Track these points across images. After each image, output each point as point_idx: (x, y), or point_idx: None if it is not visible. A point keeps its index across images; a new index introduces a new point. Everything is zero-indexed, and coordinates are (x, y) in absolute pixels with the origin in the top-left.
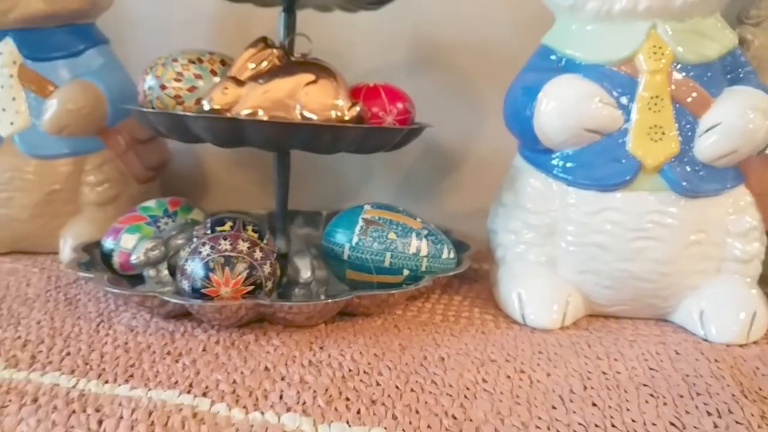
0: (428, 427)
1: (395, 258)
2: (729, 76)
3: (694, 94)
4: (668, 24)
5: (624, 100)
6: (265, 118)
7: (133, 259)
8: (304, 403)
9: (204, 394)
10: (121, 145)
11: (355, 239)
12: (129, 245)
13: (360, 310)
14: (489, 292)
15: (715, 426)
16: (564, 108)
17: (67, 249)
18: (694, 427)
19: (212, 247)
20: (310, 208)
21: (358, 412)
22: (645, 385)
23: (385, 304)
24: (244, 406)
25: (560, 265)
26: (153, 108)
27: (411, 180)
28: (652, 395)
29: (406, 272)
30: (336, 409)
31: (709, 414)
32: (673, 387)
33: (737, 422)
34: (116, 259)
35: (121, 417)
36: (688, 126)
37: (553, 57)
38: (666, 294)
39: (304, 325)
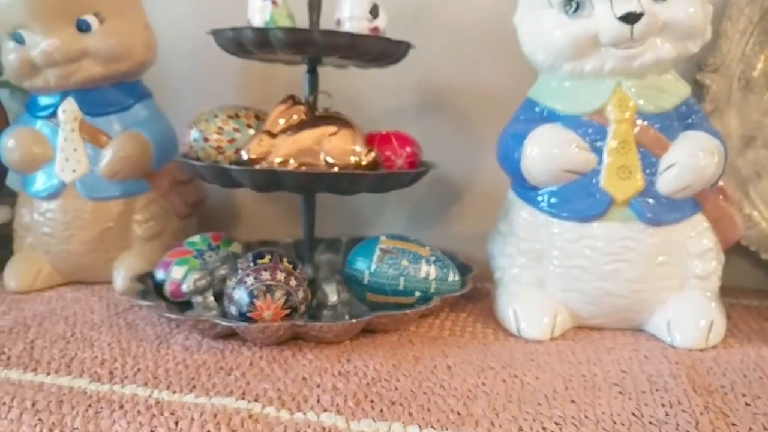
0: (437, 421)
1: (408, 282)
2: (684, 122)
3: (655, 139)
4: (630, 81)
5: (597, 144)
6: (299, 168)
7: (184, 288)
8: (337, 405)
9: (256, 400)
10: (164, 186)
11: (374, 266)
12: (178, 276)
13: (379, 327)
14: (490, 309)
15: (666, 414)
16: (546, 153)
17: (120, 279)
18: (650, 415)
19: (255, 278)
20: (333, 234)
21: (381, 411)
22: (616, 385)
23: (400, 322)
24: (289, 409)
25: (548, 284)
26: (198, 157)
27: (421, 209)
28: (620, 392)
29: (417, 294)
30: (363, 409)
31: (663, 405)
32: (638, 385)
33: (684, 411)
34: (167, 288)
35: (193, 419)
36: (650, 166)
37: (537, 108)
38: (638, 308)
39: (332, 342)
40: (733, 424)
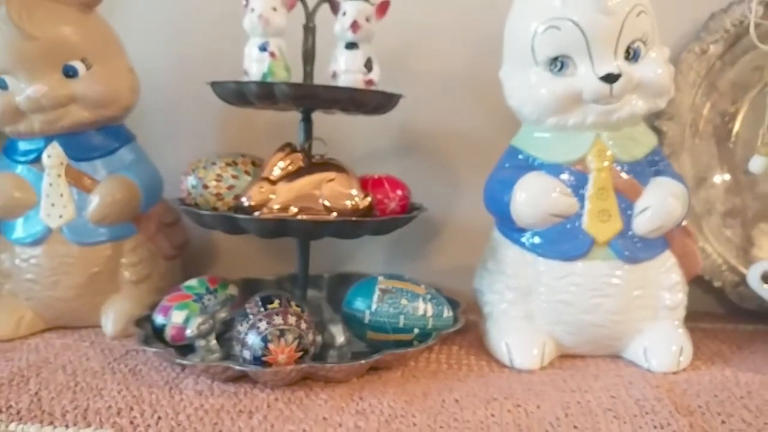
0: None
1: (407, 319)
2: (653, 168)
3: (630, 185)
4: (608, 133)
5: (579, 191)
6: (299, 214)
7: (188, 333)
8: None
9: None
10: (152, 229)
11: (375, 306)
12: (179, 320)
13: (383, 364)
14: (478, 340)
15: None
16: (533, 198)
17: (110, 324)
18: None
19: (268, 322)
20: (312, 269)
21: None
22: (609, 410)
23: (403, 359)
24: None
25: (536, 317)
26: (196, 203)
27: (401, 243)
28: (615, 417)
29: (416, 330)
30: None
31: (655, 427)
32: (628, 409)
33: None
34: (168, 333)
35: None
36: (626, 209)
37: (520, 156)
38: (617, 336)
39: (341, 381)
40: None
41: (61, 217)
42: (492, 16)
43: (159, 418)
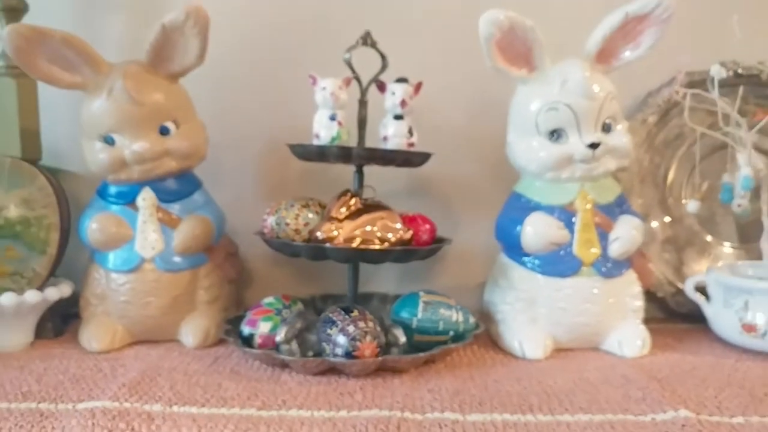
0: (521, 410)
1: (445, 324)
2: (620, 209)
3: (605, 221)
4: (589, 184)
5: (569, 226)
6: (362, 244)
7: (278, 339)
8: (451, 406)
9: (401, 410)
10: (220, 257)
11: (420, 314)
12: (266, 330)
13: (431, 359)
14: (488, 341)
15: (643, 393)
16: (538, 232)
17: (190, 337)
18: (635, 395)
19: (355, 326)
20: (333, 290)
21: (480, 404)
22: (605, 382)
23: (445, 354)
24: (419, 413)
25: (539, 320)
26: (278, 236)
27: (408, 268)
28: (610, 385)
29: (451, 333)
30: (470, 406)
31: (638, 389)
32: (617, 380)
33: (653, 390)
34: (257, 340)
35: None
36: (603, 239)
37: (523, 200)
38: (599, 333)
39: (404, 371)
40: (680, 395)
41: (153, 249)
42: (487, 84)
43: (283, 401)
